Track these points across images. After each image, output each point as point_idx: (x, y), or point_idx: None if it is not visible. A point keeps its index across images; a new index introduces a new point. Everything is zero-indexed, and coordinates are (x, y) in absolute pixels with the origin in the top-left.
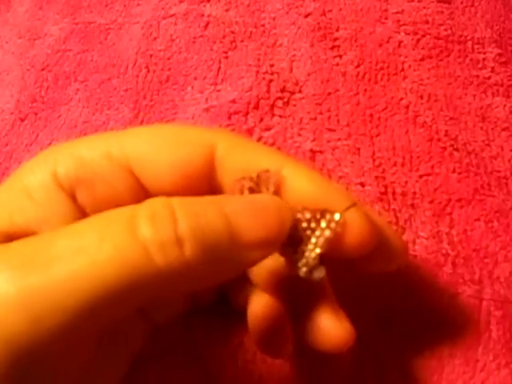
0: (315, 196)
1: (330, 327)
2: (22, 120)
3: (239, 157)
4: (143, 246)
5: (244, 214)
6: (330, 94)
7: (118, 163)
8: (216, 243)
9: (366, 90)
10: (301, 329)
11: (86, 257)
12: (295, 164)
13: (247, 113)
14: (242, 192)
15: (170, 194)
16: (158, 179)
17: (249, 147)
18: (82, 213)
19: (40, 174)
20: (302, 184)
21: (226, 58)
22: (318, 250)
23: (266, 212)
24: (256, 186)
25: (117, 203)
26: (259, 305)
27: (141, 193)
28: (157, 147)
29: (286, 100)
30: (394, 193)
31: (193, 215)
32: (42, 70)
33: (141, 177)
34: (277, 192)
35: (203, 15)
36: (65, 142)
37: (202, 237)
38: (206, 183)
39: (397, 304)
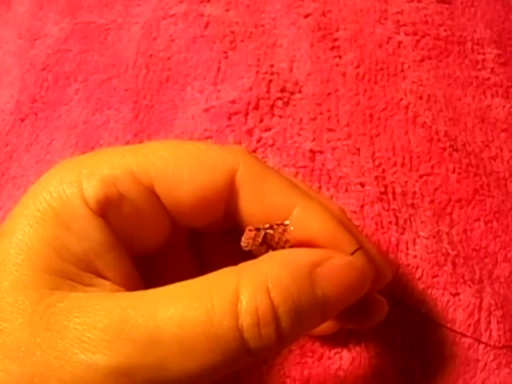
0: (323, 237)
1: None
2: (22, 120)
3: (258, 187)
4: (240, 333)
5: (333, 288)
6: (329, 94)
7: (141, 182)
8: (307, 325)
9: (365, 90)
10: None
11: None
12: (308, 202)
13: (247, 113)
14: (254, 240)
15: (187, 213)
16: (178, 201)
17: (267, 177)
18: (115, 234)
19: (71, 203)
20: (312, 225)
21: (226, 57)
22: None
23: (350, 277)
24: (270, 236)
25: (141, 222)
26: None
27: (162, 212)
28: (180, 170)
29: (285, 100)
30: (393, 193)
31: (293, 313)
32: (42, 70)
33: (161, 196)
34: (289, 241)
35: (203, 15)
36: (80, 157)
37: (298, 325)
38: (222, 205)
39: (397, 304)
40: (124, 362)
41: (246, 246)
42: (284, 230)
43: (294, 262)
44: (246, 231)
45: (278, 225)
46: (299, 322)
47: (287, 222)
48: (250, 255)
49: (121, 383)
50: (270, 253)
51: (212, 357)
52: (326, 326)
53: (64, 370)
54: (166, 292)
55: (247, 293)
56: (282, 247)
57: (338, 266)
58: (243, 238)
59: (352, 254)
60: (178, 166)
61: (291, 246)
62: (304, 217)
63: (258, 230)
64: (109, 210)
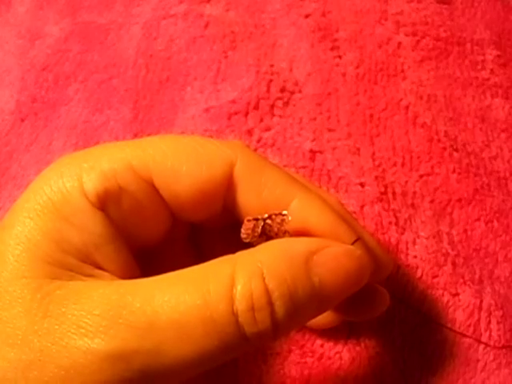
0: (322, 228)
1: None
2: (22, 120)
3: (255, 180)
4: (236, 318)
5: (330, 276)
6: (329, 94)
7: (141, 176)
8: (304, 313)
9: (365, 90)
10: None
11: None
12: (307, 194)
13: (247, 113)
14: (254, 231)
15: (186, 207)
16: (177, 194)
17: (265, 170)
18: (115, 227)
19: (70, 196)
20: (310, 216)
21: (226, 57)
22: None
23: (348, 266)
24: (269, 226)
25: (141, 216)
26: None
27: (161, 205)
28: (178, 164)
29: (285, 100)
30: (393, 193)
31: (287, 298)
32: (42, 70)
33: (160, 189)
34: (288, 231)
35: (203, 15)
36: (80, 152)
37: (293, 312)
38: (221, 199)
39: (397, 304)
40: (121, 347)
41: (246, 238)
42: (282, 220)
43: (290, 250)
44: (245, 222)
45: (275, 215)
46: (295, 308)
47: (285, 212)
48: (249, 248)
49: (118, 368)
50: (267, 242)
51: (208, 342)
52: (327, 319)
53: (61, 356)
54: (164, 279)
55: (242, 278)
56: (281, 238)
57: (335, 254)
58: (242, 230)
59: (351, 244)
60: (176, 159)
61: (290, 237)
62: (302, 208)
63: (256, 220)
64: (108, 203)
